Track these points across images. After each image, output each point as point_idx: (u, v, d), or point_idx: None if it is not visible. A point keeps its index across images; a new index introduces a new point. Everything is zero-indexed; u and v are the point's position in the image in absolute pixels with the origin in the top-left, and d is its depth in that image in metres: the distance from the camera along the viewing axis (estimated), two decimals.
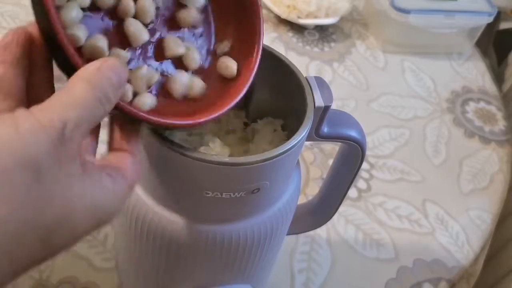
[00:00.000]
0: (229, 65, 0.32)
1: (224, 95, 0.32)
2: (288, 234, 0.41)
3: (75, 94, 0.22)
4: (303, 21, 0.81)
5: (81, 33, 0.26)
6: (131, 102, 0.28)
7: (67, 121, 0.21)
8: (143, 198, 0.33)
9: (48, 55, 0.26)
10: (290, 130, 0.36)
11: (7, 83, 0.24)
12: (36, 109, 0.21)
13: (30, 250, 0.21)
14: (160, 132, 0.29)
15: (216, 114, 0.30)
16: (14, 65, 0.24)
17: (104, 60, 0.24)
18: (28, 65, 0.25)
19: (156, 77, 0.30)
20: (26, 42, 0.25)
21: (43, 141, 0.20)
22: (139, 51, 0.30)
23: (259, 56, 0.33)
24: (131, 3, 0.29)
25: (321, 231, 0.56)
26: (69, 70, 0.24)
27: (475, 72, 0.84)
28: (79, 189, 0.22)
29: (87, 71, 0.23)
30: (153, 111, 0.29)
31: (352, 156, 0.39)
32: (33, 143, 0.20)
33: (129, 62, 0.29)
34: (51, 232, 0.21)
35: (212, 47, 0.33)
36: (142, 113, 0.27)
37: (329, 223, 0.49)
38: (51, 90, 0.27)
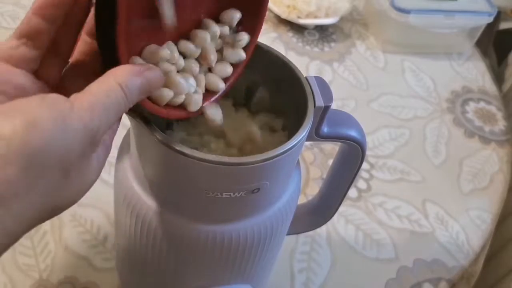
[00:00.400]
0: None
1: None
2: (288, 234, 0.41)
3: (110, 97, 0.24)
4: (303, 21, 0.81)
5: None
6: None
7: (102, 124, 0.23)
8: (143, 198, 0.33)
9: (82, 20, 0.27)
10: (290, 130, 0.36)
11: (39, 36, 0.26)
12: (79, 104, 0.23)
13: (39, 222, 0.24)
14: (160, 132, 0.29)
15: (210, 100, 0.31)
16: (51, 21, 0.26)
17: (147, 68, 0.26)
18: (62, 23, 0.26)
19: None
20: (71, 2, 0.26)
21: (81, 141, 0.23)
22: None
23: (252, 49, 0.33)
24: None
25: (321, 231, 0.56)
26: (110, 58, 0.25)
27: (475, 72, 0.84)
28: (90, 174, 0.26)
29: (126, 74, 0.24)
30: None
31: (352, 156, 0.39)
32: (73, 144, 0.22)
33: None
34: (55, 211, 0.24)
35: None
36: (153, 105, 0.28)
37: (329, 223, 0.49)
38: (72, 48, 0.28)
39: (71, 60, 0.29)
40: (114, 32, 0.24)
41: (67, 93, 0.27)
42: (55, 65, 0.28)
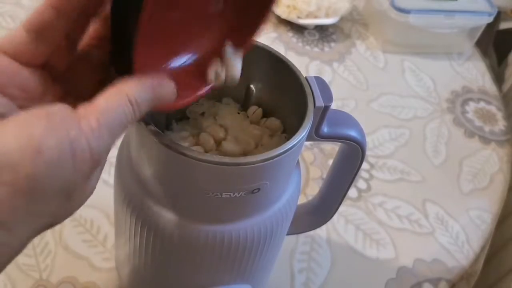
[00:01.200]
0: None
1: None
2: (288, 234, 0.41)
3: (118, 114, 0.23)
4: (303, 21, 0.81)
5: None
6: None
7: (107, 147, 0.23)
8: (143, 198, 0.33)
9: (98, 11, 0.26)
10: (289, 131, 0.36)
11: (51, 32, 0.24)
12: (86, 124, 0.22)
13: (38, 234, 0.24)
14: (160, 132, 0.29)
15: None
16: (66, 16, 0.24)
17: (160, 84, 0.25)
18: (76, 17, 0.25)
19: None
20: None
21: (86, 167, 0.22)
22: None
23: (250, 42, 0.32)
24: None
25: (321, 231, 0.56)
26: (123, 62, 0.24)
27: (475, 72, 0.84)
28: (90, 188, 0.25)
29: (137, 89, 0.24)
30: None
31: (352, 156, 0.39)
32: (78, 170, 0.22)
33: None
34: (57, 223, 0.25)
35: None
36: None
37: (329, 223, 0.48)
38: (82, 35, 0.26)
39: (79, 46, 0.27)
40: (133, 36, 0.23)
41: (73, 84, 0.27)
42: (63, 53, 0.26)
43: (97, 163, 0.23)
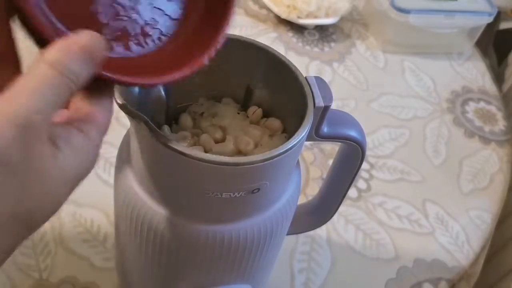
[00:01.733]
0: None
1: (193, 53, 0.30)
2: (288, 234, 0.41)
3: (40, 81, 0.21)
4: (303, 21, 0.81)
5: None
6: None
7: (32, 112, 0.20)
8: (143, 198, 0.33)
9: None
10: (289, 131, 0.36)
11: None
12: (2, 98, 0.20)
13: (10, 237, 0.21)
14: (159, 132, 0.29)
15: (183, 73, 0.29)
16: None
17: (78, 36, 0.22)
18: None
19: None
20: None
21: (9, 136, 0.20)
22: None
23: (229, 21, 0.30)
24: None
25: (321, 231, 0.56)
26: (38, 40, 0.22)
27: (475, 72, 0.84)
28: (53, 168, 0.22)
29: (55, 52, 0.22)
30: (120, 69, 0.26)
31: (352, 156, 0.39)
32: (2, 140, 0.20)
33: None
34: (32, 216, 0.21)
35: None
36: (114, 76, 0.25)
37: (329, 223, 0.49)
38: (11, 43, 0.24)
39: None
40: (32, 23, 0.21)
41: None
42: None
43: (30, 130, 0.20)
